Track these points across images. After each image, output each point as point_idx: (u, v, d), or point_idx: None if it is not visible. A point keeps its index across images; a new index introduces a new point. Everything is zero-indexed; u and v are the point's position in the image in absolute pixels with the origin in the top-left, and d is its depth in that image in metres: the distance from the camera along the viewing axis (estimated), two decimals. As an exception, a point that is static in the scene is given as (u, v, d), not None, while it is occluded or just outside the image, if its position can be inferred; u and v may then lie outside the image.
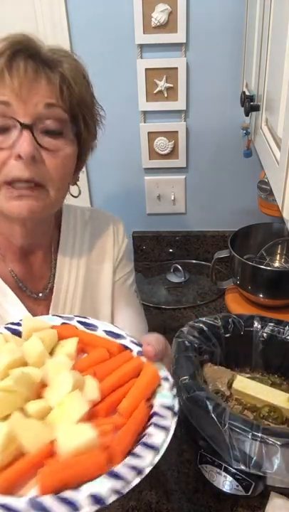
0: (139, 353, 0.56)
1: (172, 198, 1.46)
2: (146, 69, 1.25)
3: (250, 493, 0.74)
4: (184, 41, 1.22)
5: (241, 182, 1.41)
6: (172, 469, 0.83)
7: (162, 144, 1.36)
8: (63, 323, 0.59)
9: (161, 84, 1.27)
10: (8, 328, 0.57)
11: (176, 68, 1.25)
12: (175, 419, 0.48)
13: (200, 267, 1.50)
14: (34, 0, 1.19)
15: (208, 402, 0.74)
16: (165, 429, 0.46)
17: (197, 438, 0.82)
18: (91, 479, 0.40)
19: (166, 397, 0.51)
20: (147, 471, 0.42)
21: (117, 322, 0.85)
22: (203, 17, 1.20)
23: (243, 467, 0.71)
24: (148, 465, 0.42)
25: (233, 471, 0.74)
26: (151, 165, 1.41)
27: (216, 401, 0.75)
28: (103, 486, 0.39)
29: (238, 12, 1.16)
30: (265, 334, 0.93)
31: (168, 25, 1.20)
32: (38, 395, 0.48)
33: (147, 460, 0.43)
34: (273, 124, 0.68)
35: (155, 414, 0.48)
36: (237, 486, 0.75)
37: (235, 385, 0.85)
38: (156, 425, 0.47)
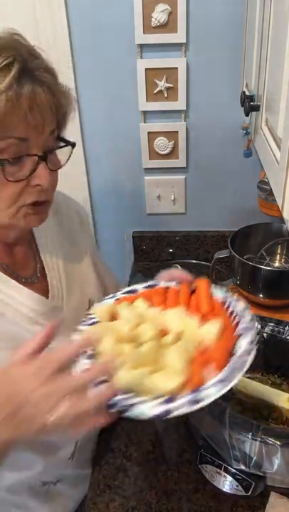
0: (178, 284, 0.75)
1: (172, 198, 1.46)
2: (146, 69, 1.25)
3: (250, 493, 0.75)
4: (184, 41, 1.22)
5: (241, 182, 1.41)
6: (172, 469, 0.84)
7: (162, 144, 1.36)
8: (117, 300, 0.74)
9: (161, 84, 1.27)
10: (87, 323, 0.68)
11: (176, 68, 1.25)
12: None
13: (200, 267, 1.50)
14: (34, 1, 1.19)
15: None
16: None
17: (197, 438, 0.82)
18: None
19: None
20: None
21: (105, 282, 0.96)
22: (203, 17, 1.20)
23: (243, 467, 0.71)
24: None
25: (233, 471, 0.74)
26: (151, 165, 1.41)
27: (216, 401, 0.75)
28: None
29: (238, 12, 1.16)
30: (265, 334, 0.93)
31: (168, 25, 1.20)
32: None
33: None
34: (273, 124, 0.68)
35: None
36: (237, 486, 0.75)
37: (235, 384, 0.85)
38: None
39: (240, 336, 0.61)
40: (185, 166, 1.41)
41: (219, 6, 1.19)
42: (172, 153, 1.38)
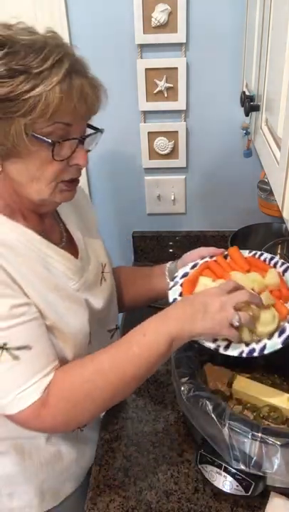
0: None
1: (172, 198, 1.46)
2: (146, 69, 1.25)
3: (250, 493, 0.74)
4: (184, 41, 1.22)
5: (241, 182, 1.41)
6: (172, 469, 0.84)
7: (162, 144, 1.36)
8: (180, 285, 0.87)
9: (161, 84, 1.27)
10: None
11: (176, 68, 1.25)
12: None
13: (200, 267, 1.50)
14: (34, 1, 1.19)
15: (208, 402, 0.74)
16: None
17: (197, 438, 0.82)
18: None
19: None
20: None
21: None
22: (203, 17, 1.20)
23: (243, 467, 0.71)
24: None
25: (233, 471, 0.74)
26: (151, 165, 1.41)
27: (216, 401, 0.75)
28: None
29: (237, 12, 1.16)
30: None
31: (168, 25, 1.20)
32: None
33: None
34: (273, 124, 0.68)
35: None
36: (237, 486, 0.75)
37: (235, 385, 0.85)
38: None
39: (285, 271, 0.88)
40: (185, 166, 1.41)
41: (219, 6, 1.19)
42: (172, 153, 1.38)
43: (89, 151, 0.77)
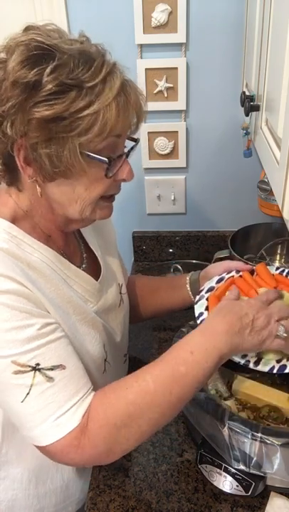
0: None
1: (172, 198, 1.46)
2: (146, 69, 1.25)
3: (250, 493, 0.75)
4: (184, 41, 1.22)
5: (241, 182, 1.41)
6: (172, 469, 0.84)
7: (162, 144, 1.36)
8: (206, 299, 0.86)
9: (161, 84, 1.27)
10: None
11: (176, 68, 1.25)
12: None
13: (200, 267, 1.49)
14: (34, 0, 1.19)
15: (208, 403, 0.74)
16: None
17: (197, 438, 0.82)
18: None
19: None
20: None
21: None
22: (203, 17, 1.20)
23: (243, 467, 0.71)
24: None
25: (233, 471, 0.74)
26: (151, 165, 1.41)
27: (216, 401, 0.75)
28: None
29: (238, 12, 1.16)
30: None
31: (168, 25, 1.20)
32: None
33: None
34: (273, 124, 0.68)
35: None
36: (237, 486, 0.75)
37: (235, 385, 0.85)
38: None
39: None
40: (185, 166, 1.41)
41: (219, 6, 1.19)
42: (172, 153, 1.38)
43: None
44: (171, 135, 1.35)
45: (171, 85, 1.28)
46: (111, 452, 0.65)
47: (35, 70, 0.59)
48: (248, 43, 1.06)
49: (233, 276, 0.91)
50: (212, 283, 0.90)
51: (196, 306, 0.85)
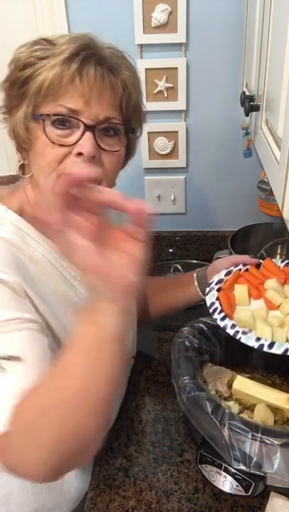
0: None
1: (172, 198, 1.46)
2: (146, 69, 1.25)
3: (250, 493, 0.75)
4: (184, 41, 1.22)
5: (241, 182, 1.41)
6: (172, 469, 0.84)
7: (162, 144, 1.36)
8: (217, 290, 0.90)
9: (161, 84, 1.27)
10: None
11: (176, 68, 1.25)
12: None
13: (200, 267, 1.49)
14: (34, 0, 1.19)
15: (208, 403, 0.74)
16: None
17: (197, 438, 0.82)
18: None
19: None
20: None
21: None
22: (203, 17, 1.20)
23: (243, 467, 0.71)
24: None
25: (233, 471, 0.74)
26: (151, 165, 1.41)
27: (216, 401, 0.75)
28: None
29: (238, 12, 1.16)
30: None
31: (168, 25, 1.20)
32: None
33: None
34: (273, 124, 0.68)
35: None
36: (237, 486, 0.75)
37: (235, 385, 0.85)
38: None
39: None
40: (185, 166, 1.41)
41: (219, 6, 1.19)
42: (172, 153, 1.38)
43: (115, 151, 0.71)
44: (171, 135, 1.35)
45: (171, 85, 1.28)
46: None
47: (21, 49, 0.68)
48: (248, 43, 1.06)
49: (240, 269, 0.94)
50: (221, 275, 0.93)
51: (207, 298, 0.89)
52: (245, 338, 0.78)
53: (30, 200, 0.75)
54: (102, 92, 0.68)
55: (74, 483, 0.86)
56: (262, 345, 0.76)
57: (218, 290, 0.90)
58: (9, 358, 0.57)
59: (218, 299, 0.87)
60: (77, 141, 0.66)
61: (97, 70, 0.67)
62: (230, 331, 0.80)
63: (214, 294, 0.89)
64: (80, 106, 0.66)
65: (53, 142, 0.66)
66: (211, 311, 0.85)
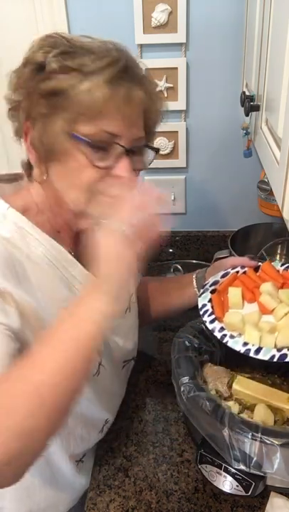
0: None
1: (172, 198, 1.46)
2: (146, 69, 1.25)
3: (250, 493, 0.75)
4: (184, 41, 1.22)
5: (241, 182, 1.41)
6: (172, 469, 0.84)
7: (162, 144, 1.36)
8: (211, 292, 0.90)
9: (161, 84, 1.27)
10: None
11: (176, 68, 1.25)
12: None
13: (200, 267, 1.48)
14: (34, 0, 1.19)
15: (208, 403, 0.74)
16: None
17: (197, 438, 0.82)
18: None
19: None
20: None
21: None
22: (203, 17, 1.20)
23: (243, 467, 0.71)
24: None
25: (233, 471, 0.74)
26: (151, 164, 1.40)
27: (216, 402, 0.75)
28: None
29: (238, 12, 1.16)
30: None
31: (168, 25, 1.20)
32: None
33: None
34: (273, 124, 0.68)
35: None
36: (237, 486, 0.75)
37: (235, 385, 0.85)
38: None
39: None
40: (185, 166, 1.41)
41: (219, 6, 1.19)
42: (172, 153, 1.38)
43: (140, 170, 0.74)
44: (171, 135, 1.35)
45: (171, 85, 1.28)
46: None
47: (42, 51, 0.65)
48: (248, 43, 1.06)
49: (237, 272, 0.93)
50: (217, 277, 0.92)
51: (199, 299, 0.88)
52: (232, 342, 0.77)
53: (39, 205, 0.74)
54: (140, 115, 0.70)
55: (70, 482, 0.86)
56: (248, 350, 0.75)
57: (213, 292, 0.89)
58: None
59: (210, 300, 0.86)
60: (115, 163, 0.68)
61: (141, 94, 0.68)
62: (218, 334, 0.79)
63: (207, 295, 0.88)
64: (121, 130, 0.67)
65: (92, 165, 0.67)
66: (201, 312, 0.84)
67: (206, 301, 0.86)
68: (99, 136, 0.66)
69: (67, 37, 0.67)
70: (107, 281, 0.58)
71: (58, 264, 0.73)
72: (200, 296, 0.89)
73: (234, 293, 0.86)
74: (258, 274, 0.91)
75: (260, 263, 0.94)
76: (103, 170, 0.68)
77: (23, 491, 0.82)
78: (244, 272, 0.93)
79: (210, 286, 0.90)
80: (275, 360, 0.73)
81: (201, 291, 0.90)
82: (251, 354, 0.75)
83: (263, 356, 0.74)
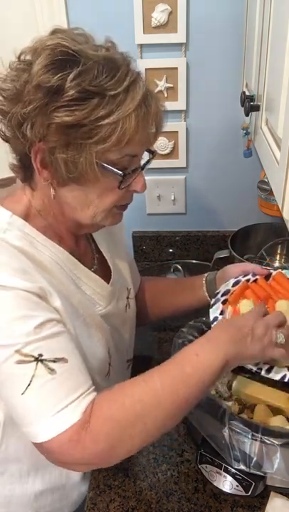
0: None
1: (172, 198, 1.46)
2: (146, 69, 1.25)
3: (250, 493, 0.75)
4: (184, 41, 1.22)
5: (241, 182, 1.41)
6: (172, 469, 0.84)
7: (162, 144, 1.36)
8: (222, 302, 0.88)
9: (161, 84, 1.27)
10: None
11: (176, 68, 1.25)
12: None
13: (200, 267, 1.49)
14: (34, 0, 1.19)
15: (208, 403, 0.74)
16: None
17: (197, 438, 0.82)
18: None
19: None
20: None
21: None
22: (203, 17, 1.20)
23: (243, 467, 0.71)
24: None
25: (233, 471, 0.74)
26: (151, 165, 1.40)
27: (216, 401, 0.75)
28: None
29: (238, 12, 1.16)
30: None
31: (168, 25, 1.20)
32: None
33: None
34: (273, 124, 0.68)
35: None
36: (237, 486, 0.75)
37: (235, 385, 0.85)
38: None
39: None
40: (185, 166, 1.41)
41: (219, 6, 1.19)
42: (172, 153, 1.38)
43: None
44: (171, 135, 1.35)
45: (171, 85, 1.28)
46: (113, 451, 0.63)
47: (58, 75, 0.60)
48: (248, 43, 1.06)
49: (248, 279, 0.90)
50: (228, 286, 0.90)
51: (211, 310, 0.86)
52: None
53: (39, 210, 0.74)
54: (158, 131, 0.72)
55: (76, 486, 0.86)
56: (259, 370, 0.75)
57: (224, 302, 0.87)
58: (56, 361, 0.63)
59: (222, 312, 0.85)
60: (132, 181, 0.70)
61: (155, 108, 0.68)
62: None
63: (219, 306, 0.86)
64: (139, 150, 0.69)
65: (118, 188, 0.69)
66: (212, 326, 0.82)
67: (217, 314, 0.85)
68: (122, 160, 0.67)
69: (75, 48, 0.62)
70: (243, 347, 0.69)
71: (65, 266, 0.74)
72: (212, 307, 0.87)
73: (246, 306, 0.83)
74: (269, 282, 0.89)
75: (271, 271, 0.92)
76: (124, 189, 0.70)
77: (29, 497, 0.82)
78: (255, 280, 0.90)
79: (221, 296, 0.88)
80: (286, 380, 0.73)
81: (213, 300, 0.88)
82: (263, 373, 0.75)
83: (274, 376, 0.74)
